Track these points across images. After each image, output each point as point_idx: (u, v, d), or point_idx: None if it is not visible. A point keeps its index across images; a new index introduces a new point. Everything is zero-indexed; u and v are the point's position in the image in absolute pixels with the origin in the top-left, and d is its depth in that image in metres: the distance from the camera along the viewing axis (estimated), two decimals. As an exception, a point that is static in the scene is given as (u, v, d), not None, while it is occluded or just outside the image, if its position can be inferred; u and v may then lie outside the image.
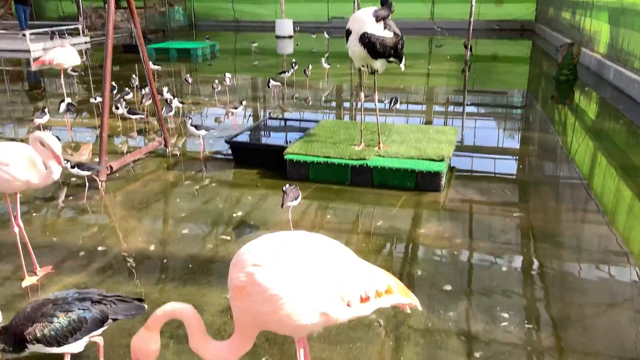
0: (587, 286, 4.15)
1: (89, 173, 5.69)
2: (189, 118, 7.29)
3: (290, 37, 21.90)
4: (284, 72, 11.35)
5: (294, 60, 12.44)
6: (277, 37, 21.90)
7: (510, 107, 11.09)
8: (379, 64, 6.05)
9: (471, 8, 14.26)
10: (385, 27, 5.79)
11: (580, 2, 15.25)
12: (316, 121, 7.89)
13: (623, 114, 9.51)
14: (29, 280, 4.17)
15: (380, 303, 2.45)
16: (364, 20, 5.77)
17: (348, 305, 2.33)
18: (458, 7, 22.24)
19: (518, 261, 4.50)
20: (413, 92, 11.99)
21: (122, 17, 22.69)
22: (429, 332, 3.58)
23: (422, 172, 5.84)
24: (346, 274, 2.35)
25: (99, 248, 4.73)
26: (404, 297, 2.53)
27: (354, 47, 5.90)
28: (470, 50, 14.65)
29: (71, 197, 5.84)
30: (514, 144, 8.24)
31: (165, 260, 4.54)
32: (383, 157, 6.13)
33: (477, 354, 3.36)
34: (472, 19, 14.39)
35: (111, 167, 6.24)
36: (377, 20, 5.73)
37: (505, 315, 3.75)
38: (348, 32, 5.97)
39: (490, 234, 4.97)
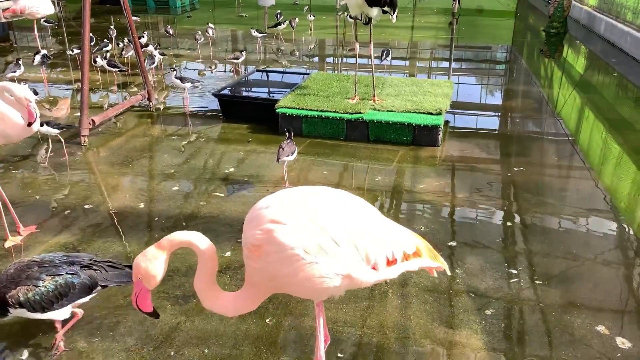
0: (593, 240, 4.07)
1: (59, 131, 5.33)
2: (173, 70, 6.93)
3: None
4: (278, 24, 10.91)
5: (278, 11, 11.98)
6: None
7: (501, 63, 10.87)
8: (375, 12, 5.76)
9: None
10: (382, -27, 5.48)
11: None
12: (306, 74, 7.59)
13: (614, 68, 9.38)
14: (12, 241, 3.93)
15: (408, 266, 2.24)
16: (360, -35, 5.46)
17: (374, 268, 2.13)
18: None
19: (520, 216, 4.39)
20: (399, 47, 11.68)
21: (94, -33, 21.62)
22: (437, 290, 3.46)
23: (420, 125, 5.64)
24: (372, 233, 2.14)
25: (85, 206, 4.48)
26: (433, 261, 2.32)
27: (350, -6, 5.60)
28: (459, 2, 14.30)
29: (52, 154, 5.53)
30: (510, 99, 8.07)
31: (156, 219, 4.32)
32: (379, 110, 5.91)
33: (487, 312, 3.25)
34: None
35: (94, 122, 5.92)
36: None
37: (514, 271, 3.64)
38: (343, -22, 5.65)
39: (490, 189, 4.84)
